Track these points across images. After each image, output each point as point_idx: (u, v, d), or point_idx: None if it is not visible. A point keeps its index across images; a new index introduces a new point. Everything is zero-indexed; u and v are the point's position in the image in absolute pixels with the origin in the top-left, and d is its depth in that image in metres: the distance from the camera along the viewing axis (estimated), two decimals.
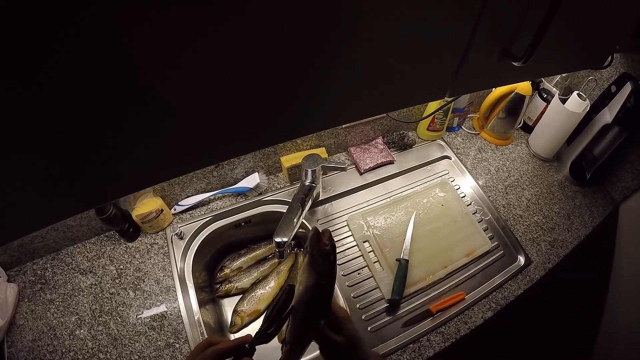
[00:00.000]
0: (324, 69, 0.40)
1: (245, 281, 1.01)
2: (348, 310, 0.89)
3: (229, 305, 1.00)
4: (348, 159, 1.15)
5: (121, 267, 0.89)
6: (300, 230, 1.05)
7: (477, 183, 1.11)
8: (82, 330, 0.81)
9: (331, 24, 0.36)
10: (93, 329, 0.81)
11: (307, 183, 0.94)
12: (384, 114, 1.06)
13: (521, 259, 0.98)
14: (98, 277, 0.88)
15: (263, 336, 0.52)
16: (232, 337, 0.95)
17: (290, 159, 1.03)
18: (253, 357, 0.50)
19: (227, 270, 1.02)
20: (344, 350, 0.52)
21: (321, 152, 1.07)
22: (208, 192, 1.00)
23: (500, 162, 1.17)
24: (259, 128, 0.43)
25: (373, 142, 1.16)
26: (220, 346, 0.49)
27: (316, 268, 0.52)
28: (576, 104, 1.05)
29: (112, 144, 0.35)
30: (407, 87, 0.52)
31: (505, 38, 0.52)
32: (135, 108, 0.33)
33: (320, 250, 0.53)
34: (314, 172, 0.93)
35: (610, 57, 0.87)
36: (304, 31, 0.35)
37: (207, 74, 0.34)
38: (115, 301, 0.85)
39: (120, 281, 0.88)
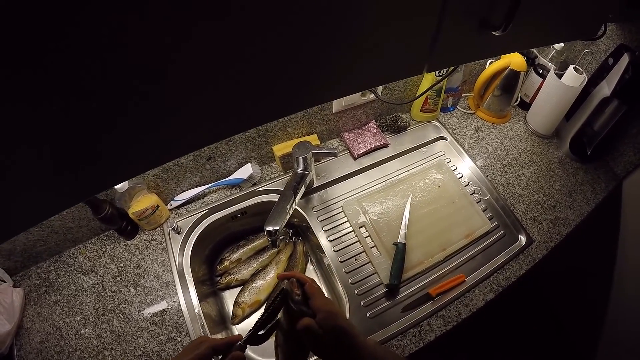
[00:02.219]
0: (289, 45, 0.39)
1: (245, 272, 1.01)
2: (346, 296, 0.89)
3: (230, 297, 1.01)
4: (341, 145, 1.13)
5: (121, 264, 0.90)
6: (296, 219, 1.05)
7: (475, 163, 1.09)
8: (87, 329, 0.83)
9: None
10: (97, 327, 0.83)
11: (299, 171, 0.94)
12: (375, 98, 1.04)
13: (522, 239, 0.96)
14: (100, 276, 0.89)
15: (253, 338, 0.54)
16: (234, 328, 0.96)
17: (282, 148, 1.03)
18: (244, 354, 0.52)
19: (226, 263, 1.02)
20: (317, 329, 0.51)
21: (313, 139, 1.06)
22: (202, 185, 1.00)
23: (498, 141, 1.15)
24: (244, 108, 0.43)
25: (366, 127, 1.14)
26: (213, 342, 0.51)
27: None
28: (573, 78, 1.02)
29: (108, 128, 0.35)
30: (381, 63, 0.50)
31: (481, 5, 0.50)
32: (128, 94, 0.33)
33: (296, 302, 0.54)
34: (305, 159, 0.92)
35: (603, 27, 0.84)
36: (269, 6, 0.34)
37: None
38: (118, 299, 0.86)
39: (121, 279, 0.89)
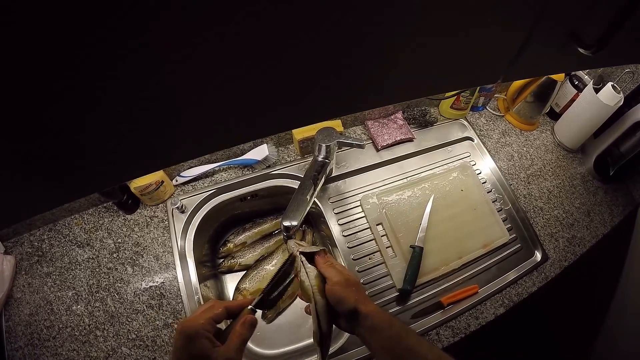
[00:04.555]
0: (381, 47, 0.35)
1: (249, 257, 0.95)
2: None
3: (231, 282, 0.95)
4: (364, 134, 1.06)
5: (119, 240, 0.82)
6: (312, 207, 0.99)
7: (500, 170, 1.05)
8: (79, 306, 0.77)
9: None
10: (90, 305, 0.77)
11: (320, 159, 0.86)
12: None
13: (538, 255, 0.94)
14: (95, 250, 0.81)
15: (264, 302, 0.56)
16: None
17: (302, 131, 0.94)
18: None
19: (230, 245, 0.96)
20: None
21: (336, 124, 0.97)
22: (213, 163, 0.90)
23: (524, 149, 1.10)
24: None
25: (392, 117, 1.07)
26: (227, 303, 0.52)
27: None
28: (610, 96, 0.98)
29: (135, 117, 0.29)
30: (460, 70, 0.46)
31: (574, 19, 0.44)
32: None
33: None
34: (328, 147, 0.84)
35: None
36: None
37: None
38: (113, 277, 0.79)
39: (118, 256, 0.81)
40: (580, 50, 0.47)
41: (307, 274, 0.57)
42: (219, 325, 0.51)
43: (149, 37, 0.24)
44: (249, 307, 0.53)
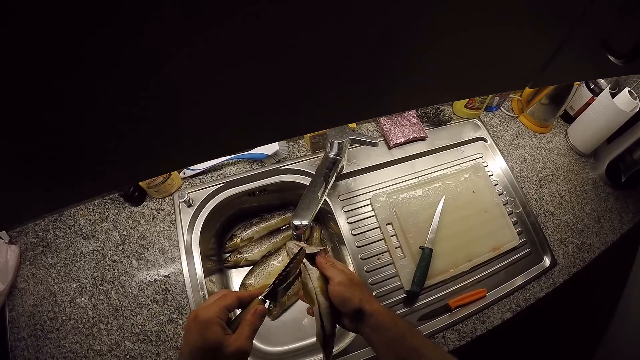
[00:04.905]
0: (412, 50, 0.34)
1: (255, 252, 0.94)
2: None
3: (237, 277, 0.94)
4: (377, 130, 1.04)
5: (125, 233, 0.81)
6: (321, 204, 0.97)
7: (512, 172, 1.03)
8: (82, 298, 0.75)
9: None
10: (94, 298, 0.76)
11: (331, 155, 0.84)
12: None
13: (547, 260, 0.93)
14: (100, 242, 0.80)
15: (273, 293, 0.55)
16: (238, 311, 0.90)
17: None
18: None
19: (237, 240, 0.94)
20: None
21: None
22: (221, 156, 0.88)
23: (537, 152, 1.08)
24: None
25: (405, 114, 1.04)
26: (239, 293, 0.53)
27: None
28: (627, 102, 0.95)
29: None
30: (489, 77, 0.45)
31: (608, 28, 0.43)
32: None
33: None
34: (340, 144, 0.82)
35: None
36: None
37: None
38: (118, 270, 0.78)
39: (123, 248, 0.79)
40: (611, 58, 0.45)
41: (310, 275, 0.56)
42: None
43: (148, 36, 0.22)
44: (260, 297, 0.54)
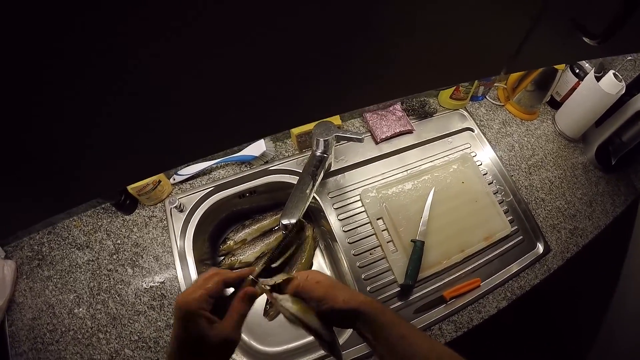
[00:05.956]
0: (377, 39, 0.33)
1: (249, 254, 0.95)
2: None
3: None
4: (363, 126, 1.04)
5: (118, 241, 0.82)
6: (312, 202, 0.98)
7: (500, 161, 1.04)
8: (80, 309, 0.76)
9: None
10: (92, 308, 0.77)
11: (318, 153, 0.85)
12: None
13: (540, 247, 0.94)
14: (95, 252, 0.81)
15: (268, 270, 0.55)
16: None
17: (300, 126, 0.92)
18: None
19: (230, 243, 0.95)
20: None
21: (334, 118, 0.95)
22: (210, 160, 0.89)
23: (525, 139, 1.09)
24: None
25: (391, 109, 1.05)
26: (225, 274, 0.49)
27: None
28: (612, 85, 0.96)
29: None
30: (460, 65, 0.44)
31: (580, 8, 0.42)
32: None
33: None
34: (326, 141, 0.83)
35: None
36: None
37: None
38: (114, 278, 0.79)
39: (117, 257, 0.81)
40: (586, 40, 0.45)
41: (283, 305, 0.51)
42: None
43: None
44: (250, 277, 0.50)
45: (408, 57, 0.38)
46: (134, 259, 0.81)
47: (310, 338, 0.87)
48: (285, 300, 0.51)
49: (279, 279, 0.54)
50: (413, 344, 0.49)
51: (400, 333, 0.50)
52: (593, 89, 0.99)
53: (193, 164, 0.89)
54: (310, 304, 0.51)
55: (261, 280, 0.55)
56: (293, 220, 0.75)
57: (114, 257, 0.80)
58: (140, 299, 0.78)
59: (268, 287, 0.53)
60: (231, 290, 0.51)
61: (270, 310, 0.89)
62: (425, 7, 0.32)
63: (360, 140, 0.85)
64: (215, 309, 0.46)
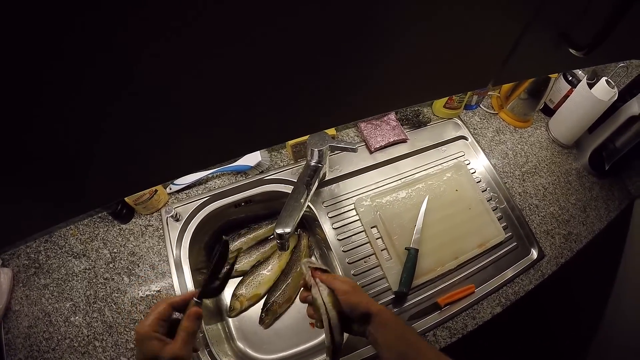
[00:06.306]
0: (360, 53, 0.33)
1: (245, 263, 0.96)
2: None
3: (228, 288, 0.94)
4: (358, 136, 1.06)
5: (115, 250, 0.83)
6: (306, 211, 0.99)
7: (494, 168, 1.05)
8: (77, 317, 0.77)
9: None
10: (88, 316, 0.77)
11: (312, 163, 0.86)
12: None
13: (534, 252, 0.94)
14: (92, 261, 0.82)
15: (208, 291, 0.57)
16: (230, 321, 0.92)
17: None
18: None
19: None
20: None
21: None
22: (205, 170, 0.91)
23: (519, 146, 1.10)
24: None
25: (385, 118, 1.07)
26: (171, 300, 0.55)
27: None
28: (604, 92, 0.97)
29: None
30: (447, 78, 0.45)
31: (566, 21, 0.43)
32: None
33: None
34: (320, 151, 0.84)
35: None
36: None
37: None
38: (110, 287, 0.80)
39: (114, 266, 0.82)
40: (572, 51, 0.46)
41: (321, 291, 0.60)
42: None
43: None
44: (193, 299, 0.55)
45: (397, 71, 0.39)
46: (130, 267, 0.82)
47: (306, 345, 0.89)
48: (323, 288, 0.60)
49: (324, 266, 0.64)
50: (420, 350, 0.54)
51: (411, 340, 0.55)
52: (586, 96, 1.00)
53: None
54: (339, 296, 0.58)
55: (307, 260, 0.65)
56: (288, 230, 0.75)
57: (111, 265, 0.82)
58: (136, 308, 0.79)
59: (312, 267, 0.63)
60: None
61: (266, 318, 0.90)
62: (414, 21, 0.33)
63: (354, 150, 0.86)
64: (170, 332, 0.52)
